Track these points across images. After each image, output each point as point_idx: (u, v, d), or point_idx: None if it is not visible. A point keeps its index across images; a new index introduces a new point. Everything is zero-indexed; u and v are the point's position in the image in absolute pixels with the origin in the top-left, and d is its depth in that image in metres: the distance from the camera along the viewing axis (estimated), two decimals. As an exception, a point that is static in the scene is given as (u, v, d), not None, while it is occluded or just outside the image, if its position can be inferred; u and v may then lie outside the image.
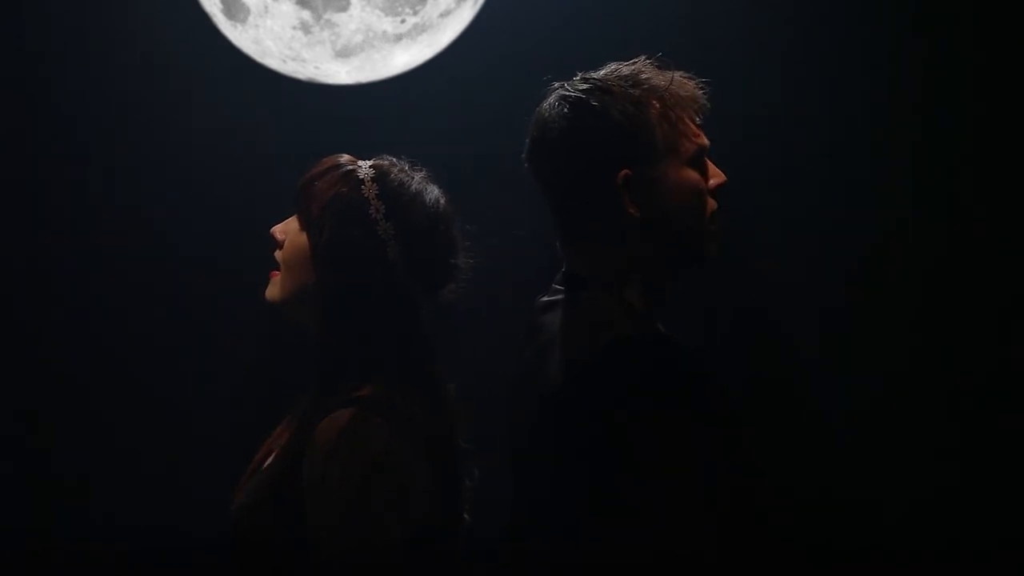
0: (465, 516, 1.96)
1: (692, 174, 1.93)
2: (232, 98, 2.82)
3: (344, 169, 2.01)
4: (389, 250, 1.95)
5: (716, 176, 1.96)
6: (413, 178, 2.01)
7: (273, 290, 2.03)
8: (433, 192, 2.02)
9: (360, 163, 2.02)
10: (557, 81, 1.96)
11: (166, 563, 2.76)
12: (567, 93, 1.94)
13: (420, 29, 2.43)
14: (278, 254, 2.03)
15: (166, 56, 2.84)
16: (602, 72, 1.95)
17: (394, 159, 2.05)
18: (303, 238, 1.99)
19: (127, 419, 2.84)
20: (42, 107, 2.87)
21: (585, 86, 1.93)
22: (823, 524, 2.67)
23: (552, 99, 1.96)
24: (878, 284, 2.72)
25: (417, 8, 2.39)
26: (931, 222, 2.70)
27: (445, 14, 2.45)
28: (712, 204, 1.95)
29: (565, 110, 1.92)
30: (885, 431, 2.70)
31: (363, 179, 1.99)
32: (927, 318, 2.70)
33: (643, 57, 1.96)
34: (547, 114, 1.95)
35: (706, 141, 1.95)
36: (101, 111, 2.86)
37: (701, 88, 1.95)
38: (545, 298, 1.98)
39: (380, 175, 1.99)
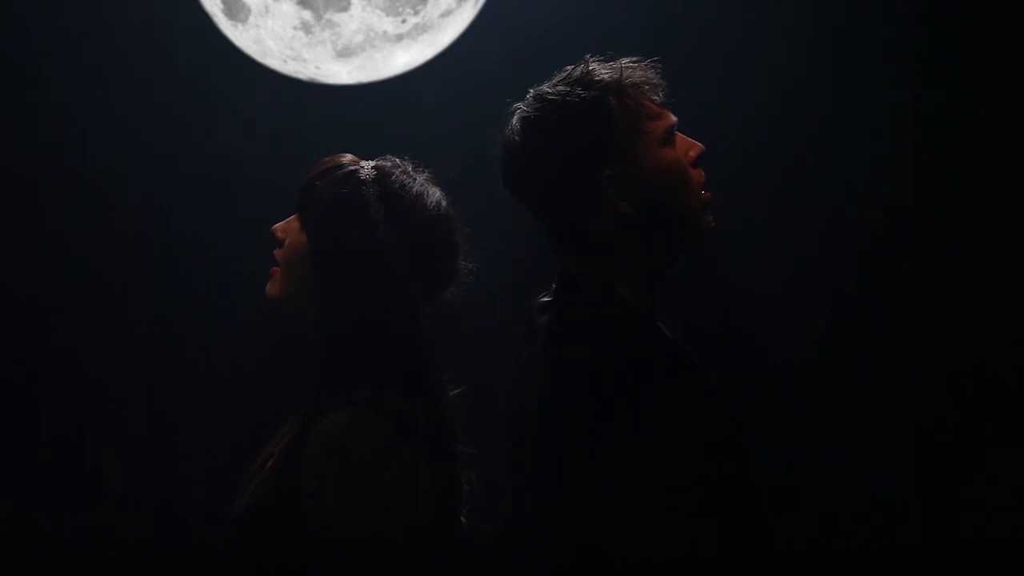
0: (463, 519, 1.96)
1: (669, 153, 1.93)
2: (232, 98, 2.82)
3: (346, 170, 2.00)
4: (389, 252, 1.94)
5: (693, 147, 1.96)
6: (415, 180, 2.01)
7: (273, 287, 2.03)
8: (435, 194, 2.01)
9: (362, 164, 2.02)
10: (516, 102, 1.96)
11: (168, 564, 2.76)
12: (526, 114, 1.94)
13: (421, 29, 2.42)
14: (278, 253, 2.03)
15: (166, 56, 2.84)
16: (554, 83, 1.95)
17: (397, 160, 2.04)
18: (303, 238, 1.99)
19: (131, 420, 2.84)
20: (42, 107, 2.87)
21: (540, 104, 1.93)
22: (820, 522, 2.67)
23: (514, 123, 1.96)
24: (878, 284, 2.71)
25: (418, 8, 2.39)
26: (932, 221, 2.70)
27: (446, 14, 2.44)
28: (697, 175, 1.95)
29: (528, 132, 1.93)
30: (884, 430, 2.70)
31: (364, 180, 1.98)
32: (927, 318, 2.69)
33: (588, 56, 1.96)
34: (512, 139, 1.95)
35: (673, 118, 1.95)
36: (101, 111, 2.86)
37: (652, 67, 1.95)
38: (543, 298, 1.98)
39: (382, 176, 1.99)
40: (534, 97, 1.95)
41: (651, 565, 1.75)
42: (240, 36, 2.47)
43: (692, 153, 1.95)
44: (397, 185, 1.98)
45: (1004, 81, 2.67)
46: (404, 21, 2.40)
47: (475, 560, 1.98)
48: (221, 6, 2.45)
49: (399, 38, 2.42)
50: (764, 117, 2.75)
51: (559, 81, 1.95)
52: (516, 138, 1.94)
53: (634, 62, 1.95)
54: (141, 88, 2.85)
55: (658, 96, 1.95)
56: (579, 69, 1.95)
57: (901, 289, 2.69)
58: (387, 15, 2.38)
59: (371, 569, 1.78)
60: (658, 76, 1.95)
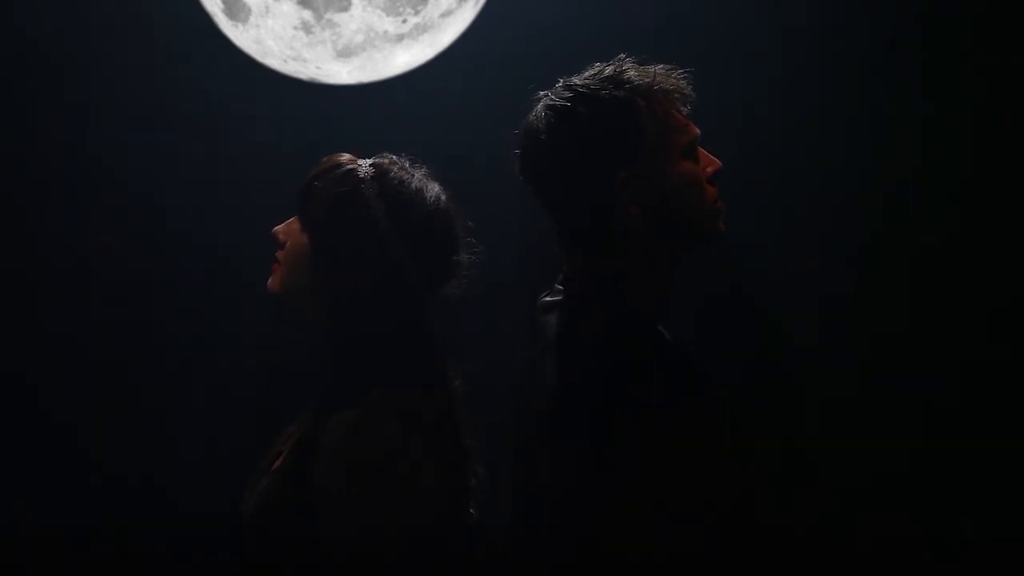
0: (472, 512, 1.96)
1: (687, 165, 1.93)
2: (233, 98, 2.82)
3: (344, 169, 2.01)
4: (390, 248, 1.95)
5: (711, 163, 1.96)
6: (413, 175, 2.01)
7: (274, 282, 2.03)
8: (434, 189, 2.02)
9: (360, 162, 2.03)
10: (542, 90, 1.96)
11: (176, 564, 2.76)
12: (553, 103, 1.94)
13: (421, 29, 2.43)
14: (280, 254, 2.03)
15: (166, 56, 2.84)
16: (584, 77, 1.95)
17: (394, 157, 2.05)
18: (304, 239, 1.99)
19: (137, 421, 2.84)
20: (42, 107, 2.87)
21: (569, 94, 1.93)
22: (819, 521, 2.67)
23: (539, 110, 1.95)
24: (878, 283, 2.72)
25: (418, 8, 2.39)
26: (932, 221, 2.70)
27: (446, 14, 2.45)
28: (711, 191, 1.95)
29: (552, 120, 1.92)
30: (883, 433, 2.70)
31: (363, 178, 1.99)
32: (926, 316, 2.70)
33: (623, 56, 1.96)
34: (535, 126, 1.95)
35: (696, 131, 1.95)
36: (101, 111, 2.86)
37: (684, 78, 1.95)
38: (548, 298, 1.98)
39: (380, 174, 2.00)
40: (563, 87, 1.95)
41: (649, 566, 1.76)
42: (240, 36, 2.47)
43: (709, 169, 1.96)
44: (396, 181, 1.99)
45: (1005, 82, 2.67)
46: (404, 21, 2.40)
47: (481, 556, 1.98)
48: (221, 6, 2.45)
49: (399, 38, 2.42)
50: (764, 117, 2.75)
51: (590, 76, 1.95)
52: (539, 124, 1.94)
53: (667, 69, 1.95)
54: (141, 88, 2.85)
55: (686, 107, 1.95)
56: (612, 68, 1.95)
57: (904, 294, 2.70)
58: (387, 15, 2.38)
59: (383, 567, 1.78)
60: (689, 87, 1.95)
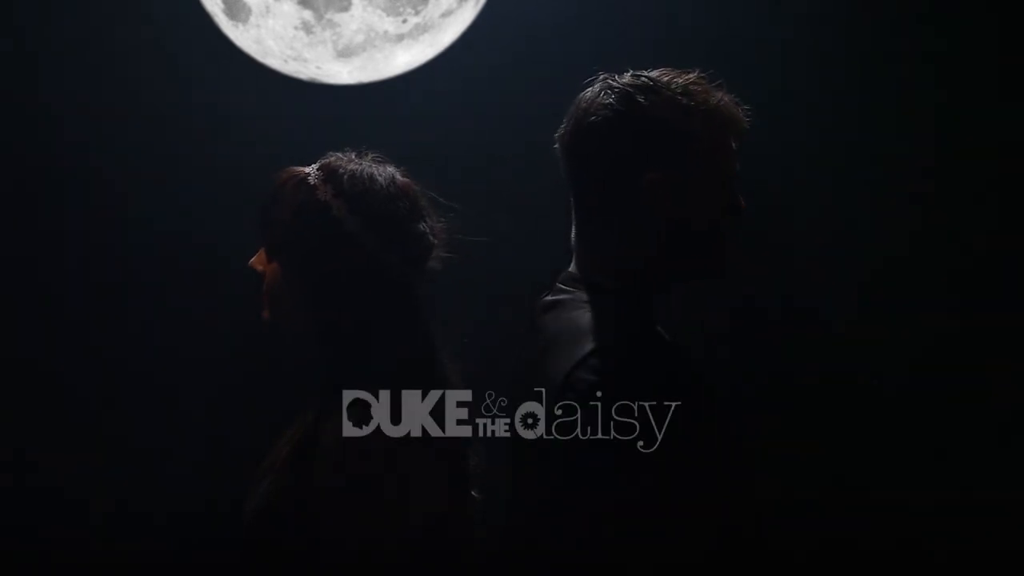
0: (475, 495, 1.96)
1: (720, 193, 1.93)
2: (233, 98, 2.82)
3: (293, 182, 1.99)
4: (363, 242, 1.93)
5: (739, 202, 1.97)
6: (361, 165, 1.99)
7: (267, 312, 2.02)
8: (386, 171, 1.99)
9: (307, 170, 2.01)
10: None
11: (177, 564, 2.76)
12: (614, 84, 1.93)
13: (422, 29, 2.43)
14: (264, 287, 2.02)
15: (167, 56, 2.85)
16: (654, 73, 1.95)
17: (339, 153, 2.03)
18: (275, 264, 1.98)
19: (137, 421, 2.84)
20: (42, 107, 2.87)
21: (635, 82, 1.92)
22: (820, 525, 2.67)
23: (597, 87, 1.94)
24: (878, 284, 2.72)
25: (419, 8, 2.40)
26: (933, 222, 2.70)
27: (446, 14, 2.45)
28: (728, 226, 1.95)
29: (610, 100, 1.91)
30: (884, 430, 2.70)
31: (315, 185, 1.97)
32: (927, 318, 2.70)
33: (696, 70, 1.96)
34: (590, 101, 1.94)
35: (737, 165, 1.95)
36: (101, 111, 2.86)
37: (746, 115, 1.96)
38: (548, 298, 1.98)
39: (329, 174, 1.98)
40: (632, 75, 1.94)
41: (650, 568, 1.76)
42: (241, 36, 2.48)
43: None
44: (347, 176, 1.97)
45: (1005, 81, 2.67)
46: (405, 21, 2.40)
47: (482, 555, 1.98)
48: (222, 6, 2.45)
49: (400, 38, 2.42)
50: (765, 118, 2.74)
51: (660, 74, 1.94)
52: (595, 102, 1.92)
53: (734, 100, 1.95)
54: (141, 88, 2.85)
55: (737, 143, 1.95)
56: (683, 77, 1.94)
57: (904, 295, 2.70)
58: (388, 15, 2.38)
59: (384, 567, 1.78)
60: (747, 123, 1.95)
